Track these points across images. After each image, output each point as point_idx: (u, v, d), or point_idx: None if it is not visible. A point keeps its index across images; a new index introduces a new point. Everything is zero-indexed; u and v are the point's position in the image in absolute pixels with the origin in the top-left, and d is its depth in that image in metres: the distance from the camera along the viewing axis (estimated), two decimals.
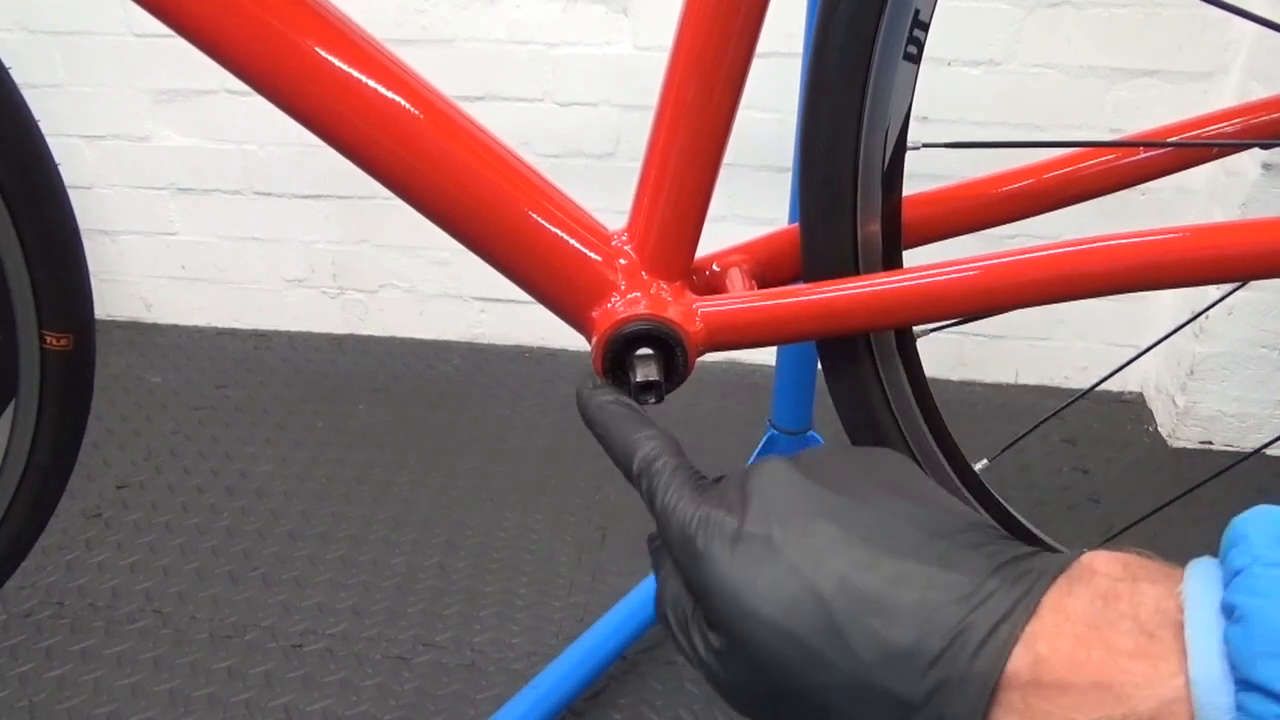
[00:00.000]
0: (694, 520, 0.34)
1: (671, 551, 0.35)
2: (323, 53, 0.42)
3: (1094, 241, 0.44)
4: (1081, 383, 1.42)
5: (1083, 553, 0.28)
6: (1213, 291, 1.08)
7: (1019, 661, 0.26)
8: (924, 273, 0.46)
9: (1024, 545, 0.30)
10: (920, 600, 0.28)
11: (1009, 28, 1.17)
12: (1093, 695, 0.25)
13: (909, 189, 0.49)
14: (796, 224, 0.50)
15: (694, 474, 0.37)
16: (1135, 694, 0.24)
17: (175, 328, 1.63)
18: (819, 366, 0.54)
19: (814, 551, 0.30)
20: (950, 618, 0.27)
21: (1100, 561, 0.28)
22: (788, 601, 0.30)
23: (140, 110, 1.44)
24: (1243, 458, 0.72)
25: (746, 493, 0.33)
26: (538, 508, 1.19)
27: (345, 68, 0.42)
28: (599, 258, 0.47)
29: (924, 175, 0.55)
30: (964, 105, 1.22)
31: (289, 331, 1.61)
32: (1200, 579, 0.25)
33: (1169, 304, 1.33)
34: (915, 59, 0.44)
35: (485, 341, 1.56)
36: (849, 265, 0.49)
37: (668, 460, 0.37)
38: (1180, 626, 0.24)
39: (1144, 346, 0.74)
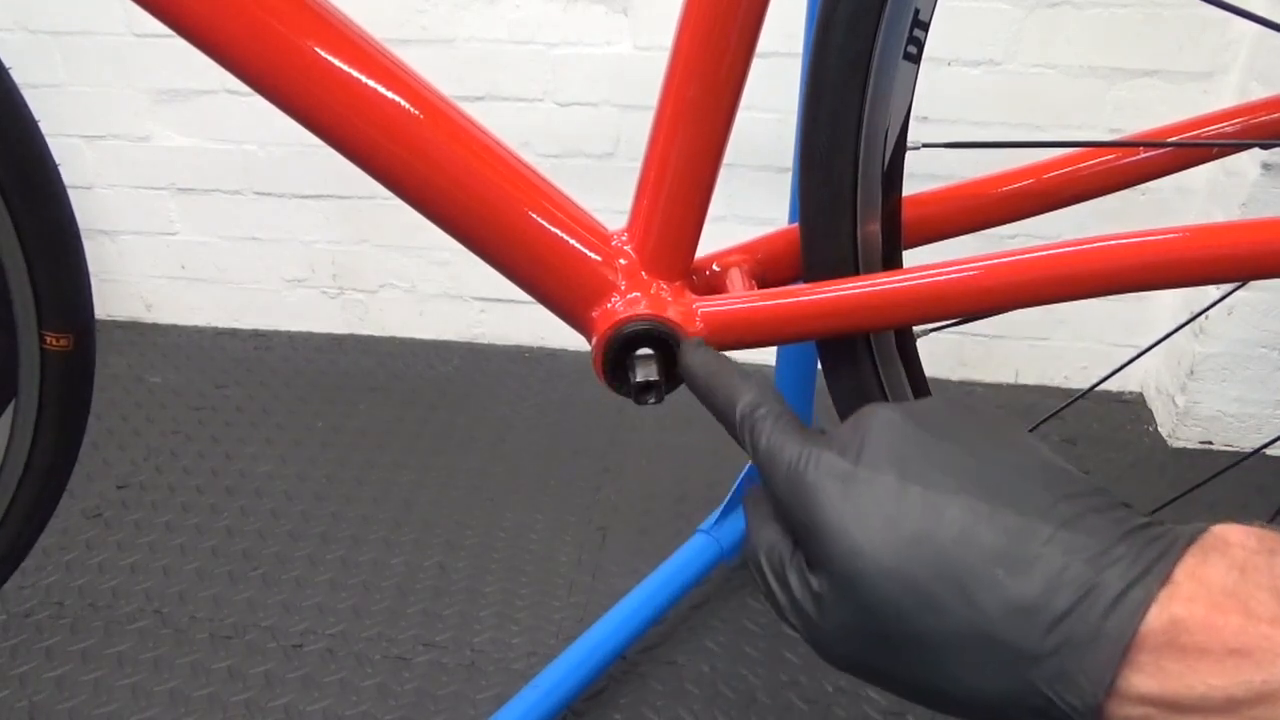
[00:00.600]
0: (803, 457, 0.33)
1: (775, 491, 0.34)
2: (323, 53, 0.42)
3: (1094, 241, 0.44)
4: (1081, 383, 1.42)
5: (1213, 525, 0.28)
6: (1213, 291, 1.08)
7: (1154, 622, 0.25)
8: (924, 273, 0.46)
9: (1147, 515, 0.29)
10: (1046, 555, 0.27)
11: (1009, 28, 1.17)
12: (1230, 662, 0.24)
13: (909, 189, 0.49)
14: (796, 224, 0.50)
15: (798, 421, 0.36)
16: (1275, 662, 0.24)
17: (175, 328, 1.63)
18: (819, 366, 0.54)
19: (933, 498, 0.30)
20: (1080, 575, 0.27)
21: (1234, 534, 0.27)
22: (904, 542, 0.29)
23: (140, 110, 1.44)
24: (1243, 458, 0.72)
25: (859, 435, 0.33)
26: (538, 508, 1.19)
27: (345, 68, 0.42)
28: (599, 258, 0.47)
29: (924, 175, 0.55)
30: (964, 105, 1.22)
31: (289, 331, 1.61)
32: None
33: (1169, 304, 1.33)
34: (915, 59, 0.44)
35: (485, 341, 1.56)
36: (849, 265, 0.49)
37: (771, 407, 0.37)
38: None
39: (1144, 346, 0.74)
